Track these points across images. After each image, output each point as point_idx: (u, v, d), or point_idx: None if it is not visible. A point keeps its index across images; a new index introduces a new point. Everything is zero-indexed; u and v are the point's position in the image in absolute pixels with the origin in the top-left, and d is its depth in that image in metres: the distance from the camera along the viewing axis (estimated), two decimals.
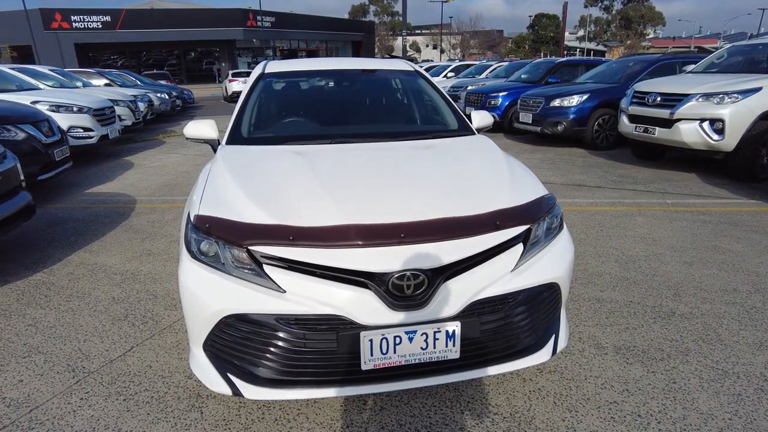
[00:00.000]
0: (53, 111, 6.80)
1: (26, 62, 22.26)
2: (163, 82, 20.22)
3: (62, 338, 2.66)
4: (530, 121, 8.70)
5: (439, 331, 1.71)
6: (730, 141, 5.48)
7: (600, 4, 63.64)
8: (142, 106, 11.20)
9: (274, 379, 1.73)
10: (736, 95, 5.44)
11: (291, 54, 45.88)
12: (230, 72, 23.45)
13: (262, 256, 1.70)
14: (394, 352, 1.70)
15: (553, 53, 53.20)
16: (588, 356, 2.41)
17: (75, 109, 7.15)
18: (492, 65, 15.21)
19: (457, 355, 1.75)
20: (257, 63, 3.46)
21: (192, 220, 1.89)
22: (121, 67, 34.04)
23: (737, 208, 4.82)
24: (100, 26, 36.70)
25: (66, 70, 12.64)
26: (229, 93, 21.37)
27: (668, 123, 5.96)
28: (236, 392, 1.74)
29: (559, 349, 1.99)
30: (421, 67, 3.70)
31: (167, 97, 14.37)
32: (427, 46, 73.71)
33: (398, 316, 1.66)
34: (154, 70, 28.07)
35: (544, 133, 8.47)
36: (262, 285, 1.69)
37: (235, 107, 3.05)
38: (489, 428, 1.95)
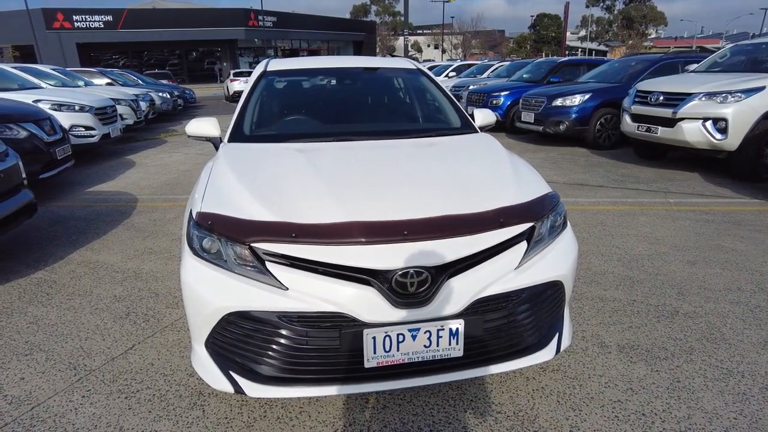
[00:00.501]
0: (55, 110, 6.80)
1: (28, 62, 22.28)
2: (164, 81, 20.23)
3: (64, 336, 2.66)
4: (532, 121, 8.69)
5: (443, 329, 1.70)
6: (733, 140, 5.46)
7: (602, 4, 63.53)
8: (143, 105, 11.21)
9: (277, 376, 1.72)
10: (739, 94, 5.42)
11: (292, 54, 45.87)
12: (232, 72, 23.43)
13: (264, 253, 1.69)
14: (397, 350, 1.69)
15: (555, 53, 53.16)
16: (591, 355, 2.40)
17: (77, 107, 7.15)
18: (493, 65, 15.19)
19: (460, 354, 1.74)
20: (259, 63, 3.45)
21: (194, 217, 1.88)
22: (123, 67, 33.99)
23: (740, 208, 4.80)
24: (102, 26, 36.72)
25: (68, 69, 12.65)
26: (231, 93, 21.37)
27: (671, 122, 5.94)
28: (238, 390, 1.73)
29: (562, 348, 1.98)
30: (423, 65, 3.69)
31: (169, 96, 14.38)
32: (429, 46, 73.68)
33: (401, 314, 1.65)
34: (156, 70, 28.11)
35: (546, 132, 8.46)
36: (264, 282, 1.68)
37: (237, 105, 3.04)
38: (492, 427, 1.94)
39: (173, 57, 41.68)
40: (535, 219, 1.89)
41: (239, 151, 2.53)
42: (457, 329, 1.71)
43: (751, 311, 2.80)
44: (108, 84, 12.82)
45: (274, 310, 1.65)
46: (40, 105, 6.53)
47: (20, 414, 2.04)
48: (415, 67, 3.59)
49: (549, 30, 65.01)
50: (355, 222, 1.72)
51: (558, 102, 8.20)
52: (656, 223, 4.38)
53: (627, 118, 6.74)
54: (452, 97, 3.34)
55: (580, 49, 60.87)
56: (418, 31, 76.53)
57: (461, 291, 1.70)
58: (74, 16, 36.00)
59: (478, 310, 1.73)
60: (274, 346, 1.69)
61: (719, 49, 8.16)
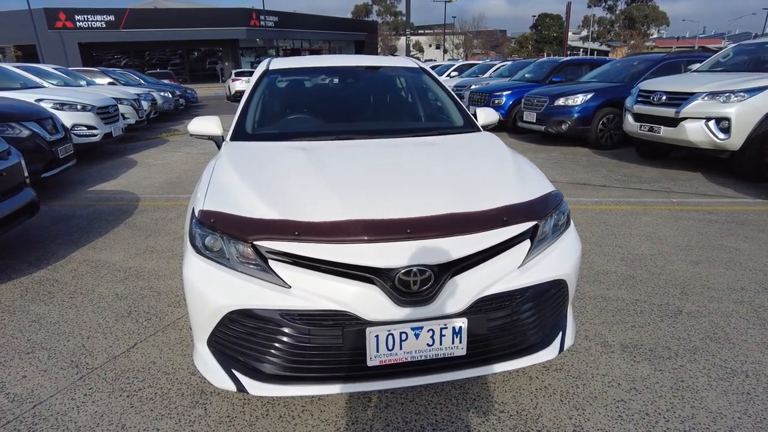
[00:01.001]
0: (57, 109, 6.81)
1: (31, 61, 22.31)
2: (166, 81, 20.23)
3: (66, 334, 2.66)
4: (534, 120, 8.67)
5: (446, 328, 1.69)
6: (736, 140, 5.44)
7: (604, 4, 63.47)
8: (145, 104, 11.21)
9: (279, 375, 1.72)
10: (742, 94, 5.41)
11: (294, 53, 45.88)
12: (233, 71, 23.44)
13: (267, 252, 1.69)
14: (400, 348, 1.68)
15: (557, 53, 53.09)
16: (594, 354, 2.39)
17: (79, 107, 7.16)
18: (495, 65, 15.17)
19: (463, 352, 1.73)
20: (260, 62, 3.45)
21: (197, 215, 1.88)
22: (125, 67, 34.02)
23: (744, 207, 4.79)
24: (104, 26, 36.76)
25: (70, 69, 12.67)
26: (232, 92, 21.37)
27: (674, 122, 5.92)
28: (240, 388, 1.73)
29: (565, 347, 1.97)
30: (426, 65, 3.70)
31: (171, 96, 14.39)
32: (430, 45, 73.68)
33: (404, 312, 1.65)
34: (158, 70, 28.13)
35: (548, 132, 8.44)
36: (267, 280, 1.67)
37: (239, 104, 3.04)
38: (495, 426, 1.93)
39: (175, 57, 41.72)
40: (539, 218, 1.88)
41: (242, 150, 2.52)
42: (461, 328, 1.70)
43: (755, 311, 2.79)
44: (110, 83, 12.84)
45: (276, 308, 1.64)
46: (43, 104, 6.53)
47: (22, 412, 2.04)
48: (417, 66, 3.59)
49: (551, 30, 64.96)
50: (358, 220, 1.72)
51: (560, 102, 8.19)
52: (659, 223, 4.37)
53: (629, 118, 6.73)
54: (455, 95, 3.33)
55: (581, 49, 60.79)
56: (420, 31, 76.51)
57: (464, 289, 1.69)
58: (76, 16, 36.04)
59: (481, 309, 1.72)
60: (277, 345, 1.68)
61: (721, 49, 8.13)
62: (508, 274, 1.76)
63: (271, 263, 1.68)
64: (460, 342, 1.71)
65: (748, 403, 2.03)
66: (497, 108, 9.92)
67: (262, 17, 38.94)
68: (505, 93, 10.16)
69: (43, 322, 2.79)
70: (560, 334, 1.96)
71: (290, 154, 2.39)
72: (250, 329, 1.69)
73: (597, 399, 2.07)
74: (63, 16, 35.81)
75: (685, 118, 5.78)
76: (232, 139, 2.76)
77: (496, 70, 14.21)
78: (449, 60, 43.22)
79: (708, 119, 5.58)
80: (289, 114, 3.20)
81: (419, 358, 1.72)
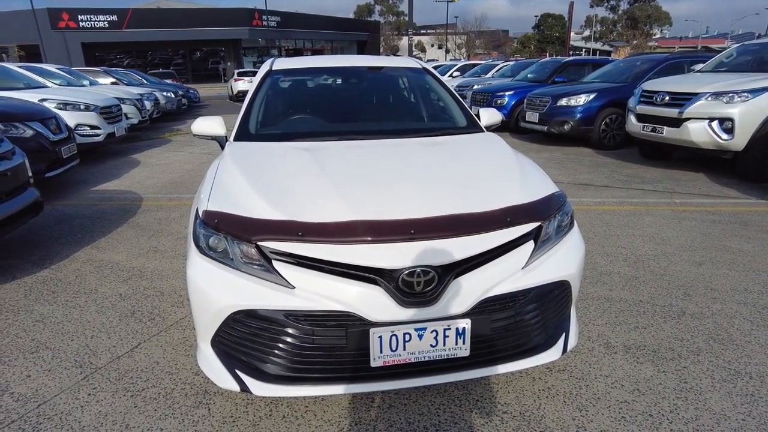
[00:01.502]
0: (61, 109, 6.83)
1: (34, 61, 22.36)
2: (169, 81, 20.26)
3: (69, 334, 2.66)
4: (537, 121, 8.66)
5: (449, 329, 1.69)
6: (739, 140, 5.43)
7: (606, 4, 63.35)
8: (148, 104, 11.24)
9: (283, 375, 1.72)
10: (746, 94, 5.39)
11: (296, 54, 45.94)
12: (236, 71, 23.47)
13: (271, 252, 1.69)
14: (404, 349, 1.69)
15: (559, 53, 53.00)
16: (598, 355, 2.39)
17: (82, 107, 7.18)
18: (498, 65, 15.16)
19: (466, 353, 1.74)
20: (263, 62, 3.45)
21: (200, 215, 1.88)
22: (128, 67, 34.08)
23: (747, 208, 4.77)
24: (107, 26, 36.84)
25: (73, 68, 12.70)
26: (235, 92, 21.40)
27: (677, 122, 5.91)
28: (244, 389, 1.73)
29: (569, 348, 1.97)
30: (429, 65, 3.71)
31: (173, 95, 14.42)
32: (432, 45, 73.66)
33: (408, 313, 1.65)
34: (161, 69, 28.19)
35: (551, 132, 8.43)
36: (270, 281, 1.68)
37: (242, 104, 3.04)
38: (498, 427, 1.93)
39: (177, 56, 41.78)
40: (543, 218, 1.88)
41: (245, 150, 2.53)
42: (464, 329, 1.70)
43: (758, 312, 2.78)
44: (113, 83, 12.86)
45: (280, 309, 1.65)
46: (46, 104, 6.55)
47: (27, 411, 2.05)
48: (420, 66, 3.59)
49: (553, 30, 64.85)
50: (362, 221, 1.72)
51: (563, 102, 8.18)
52: (662, 224, 4.36)
53: (632, 118, 6.72)
54: (458, 96, 3.33)
55: (584, 49, 60.68)
56: (422, 31, 76.50)
57: (468, 290, 1.69)
58: (79, 16, 36.13)
59: (484, 310, 1.72)
60: (280, 345, 1.68)
61: (724, 49, 8.11)
62: (511, 275, 1.76)
63: (275, 264, 1.69)
64: (464, 343, 1.72)
65: (752, 405, 2.02)
66: (500, 108, 9.91)
67: (264, 17, 38.98)
68: (507, 93, 10.16)
69: (47, 322, 2.80)
70: (563, 335, 1.96)
71: (293, 154, 2.40)
72: (253, 329, 1.69)
73: (600, 400, 2.07)
74: (66, 16, 35.90)
75: (688, 119, 5.76)
76: (236, 139, 2.77)
77: (498, 70, 14.20)
78: (451, 60, 43.20)
79: (711, 120, 5.57)
80: (293, 114, 3.21)
81: (423, 359, 1.72)
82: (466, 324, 1.69)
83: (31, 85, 7.77)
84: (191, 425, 1.95)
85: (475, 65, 17.11)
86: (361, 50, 52.06)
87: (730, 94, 5.47)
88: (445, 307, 1.67)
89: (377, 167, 2.21)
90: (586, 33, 66.26)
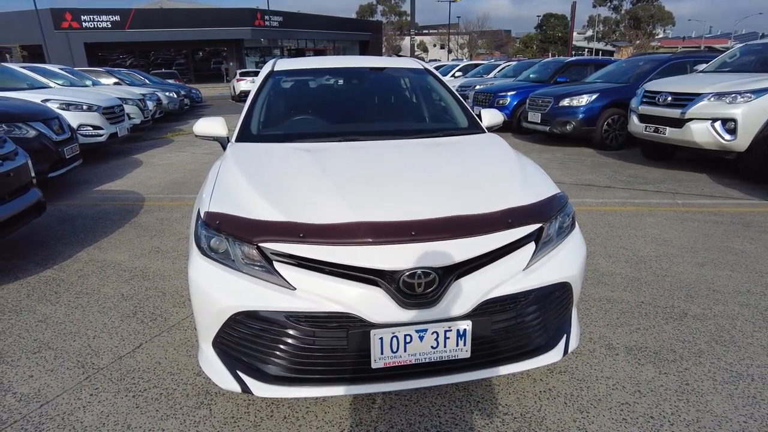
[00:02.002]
0: (63, 109, 6.85)
1: (37, 62, 22.46)
2: (171, 81, 20.31)
3: (72, 334, 2.67)
4: (539, 121, 8.65)
5: (450, 330, 1.69)
6: (742, 141, 5.41)
7: (609, 3, 63.17)
8: (150, 104, 11.27)
9: (284, 376, 1.72)
10: (749, 95, 5.37)
11: (298, 53, 45.98)
12: (238, 71, 23.50)
13: (272, 253, 1.69)
14: (405, 350, 1.69)
15: (562, 53, 52.92)
16: (599, 357, 2.39)
17: (85, 107, 7.20)
18: (500, 65, 15.14)
19: (467, 355, 1.74)
20: (265, 62, 3.45)
21: (202, 216, 1.89)
22: (130, 67, 34.19)
23: (750, 209, 4.76)
24: (110, 26, 36.96)
25: (76, 69, 12.74)
26: (237, 92, 21.43)
27: (679, 123, 5.90)
28: (245, 389, 1.74)
29: (570, 350, 1.97)
30: (430, 65, 3.71)
31: (176, 96, 14.45)
32: (435, 45, 73.60)
33: (409, 315, 1.65)
34: (163, 70, 28.25)
35: (553, 132, 8.42)
36: (272, 282, 1.68)
37: (244, 105, 3.05)
38: (499, 428, 1.93)
39: (180, 57, 41.89)
40: (544, 220, 1.88)
41: (247, 151, 2.53)
42: (465, 330, 1.70)
43: (761, 314, 2.78)
44: (115, 83, 12.90)
45: (281, 310, 1.65)
46: (49, 104, 6.57)
47: (29, 411, 2.06)
48: (422, 67, 3.59)
49: (555, 30, 64.72)
50: (363, 222, 1.72)
51: (565, 102, 8.17)
52: (664, 225, 4.35)
53: (635, 119, 6.70)
54: (459, 97, 3.33)
55: (586, 49, 60.57)
56: (424, 31, 76.46)
57: (469, 292, 1.69)
58: (82, 16, 36.26)
59: (485, 311, 1.72)
60: (282, 346, 1.69)
61: (728, 49, 8.09)
62: (512, 276, 1.76)
63: (276, 265, 1.69)
64: (465, 344, 1.72)
65: (753, 407, 2.02)
66: (502, 108, 9.90)
67: (266, 17, 39.03)
68: (509, 93, 10.15)
69: (49, 322, 2.81)
70: (565, 336, 1.95)
71: (295, 155, 2.40)
72: (255, 330, 1.70)
73: (601, 402, 2.07)
74: (69, 16, 36.02)
75: (690, 119, 5.75)
76: (238, 140, 2.77)
77: (500, 70, 14.19)
78: (454, 60, 43.18)
79: (714, 120, 5.55)
80: (294, 115, 3.21)
81: (424, 361, 1.72)
82: (467, 325, 1.69)
83: (34, 86, 7.79)
84: (193, 426, 1.96)
85: (477, 65, 17.11)
86: (364, 50, 52.07)
87: (733, 95, 5.45)
88: (446, 309, 1.67)
89: (378, 168, 2.21)
90: (589, 33, 66.12)
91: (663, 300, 2.96)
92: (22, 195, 3.60)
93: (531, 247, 1.83)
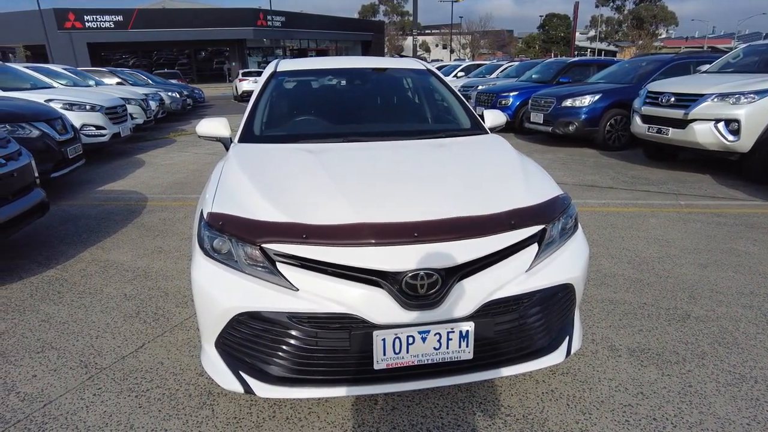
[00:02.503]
0: (66, 109, 6.87)
1: (40, 61, 22.51)
2: (174, 81, 20.35)
3: (75, 334, 2.68)
4: (541, 121, 8.64)
5: (453, 332, 1.69)
6: (745, 142, 5.40)
7: (611, 4, 63.04)
8: (153, 104, 11.28)
9: (286, 377, 1.73)
10: (752, 95, 5.36)
11: (301, 53, 46.05)
12: (240, 71, 23.54)
13: (275, 254, 1.70)
14: (407, 351, 1.69)
15: (564, 53, 52.82)
16: (601, 358, 2.38)
17: (88, 107, 7.22)
18: (502, 65, 15.13)
19: (470, 356, 1.73)
20: (267, 62, 3.46)
21: (205, 217, 1.89)
22: (133, 67, 34.26)
23: (753, 210, 4.75)
24: (113, 26, 37.07)
25: (79, 69, 12.77)
26: (240, 92, 21.46)
27: (682, 123, 5.88)
28: (248, 390, 1.74)
29: (573, 351, 1.96)
30: (432, 66, 3.71)
31: (178, 96, 14.47)
32: (437, 45, 73.58)
33: (411, 316, 1.65)
34: (165, 69, 28.29)
35: (556, 133, 8.41)
36: (274, 283, 1.68)
37: (246, 106, 3.05)
38: (501, 429, 1.93)
39: (182, 57, 41.97)
40: (547, 221, 1.88)
41: (250, 152, 2.53)
42: (467, 331, 1.70)
43: (764, 315, 2.77)
44: (118, 83, 12.93)
45: (284, 311, 1.65)
46: (52, 104, 6.59)
47: (32, 411, 2.06)
48: (424, 68, 3.59)
49: (558, 30, 64.61)
50: (366, 223, 1.72)
51: (567, 102, 8.15)
52: (667, 225, 4.34)
53: (637, 119, 6.69)
54: (462, 97, 3.33)
55: (589, 50, 60.48)
56: (427, 31, 76.41)
57: (472, 293, 1.69)
58: (85, 16, 36.37)
59: (488, 313, 1.72)
60: (284, 347, 1.69)
61: (731, 49, 8.06)
62: (515, 278, 1.76)
63: (279, 266, 1.69)
64: (467, 346, 1.72)
65: (756, 410, 2.01)
66: (504, 108, 9.89)
67: (269, 17, 39.07)
68: (512, 94, 10.14)
69: (52, 322, 2.82)
70: (567, 338, 1.95)
71: (298, 156, 2.40)
72: (257, 331, 1.70)
73: (604, 403, 2.06)
74: (72, 16, 36.13)
75: (694, 120, 5.74)
76: (240, 140, 2.78)
77: (503, 70, 14.17)
78: (456, 60, 43.17)
79: (717, 121, 5.54)
80: (297, 116, 3.22)
81: (426, 362, 1.72)
82: (469, 327, 1.69)
83: (37, 86, 7.81)
84: (195, 426, 1.96)
85: (479, 65, 17.10)
86: (366, 50, 52.08)
87: (737, 95, 5.43)
88: (449, 310, 1.67)
89: (381, 169, 2.21)
90: (592, 33, 66.02)
91: (666, 301, 2.96)
92: (25, 195, 3.61)
93: (534, 248, 1.83)
